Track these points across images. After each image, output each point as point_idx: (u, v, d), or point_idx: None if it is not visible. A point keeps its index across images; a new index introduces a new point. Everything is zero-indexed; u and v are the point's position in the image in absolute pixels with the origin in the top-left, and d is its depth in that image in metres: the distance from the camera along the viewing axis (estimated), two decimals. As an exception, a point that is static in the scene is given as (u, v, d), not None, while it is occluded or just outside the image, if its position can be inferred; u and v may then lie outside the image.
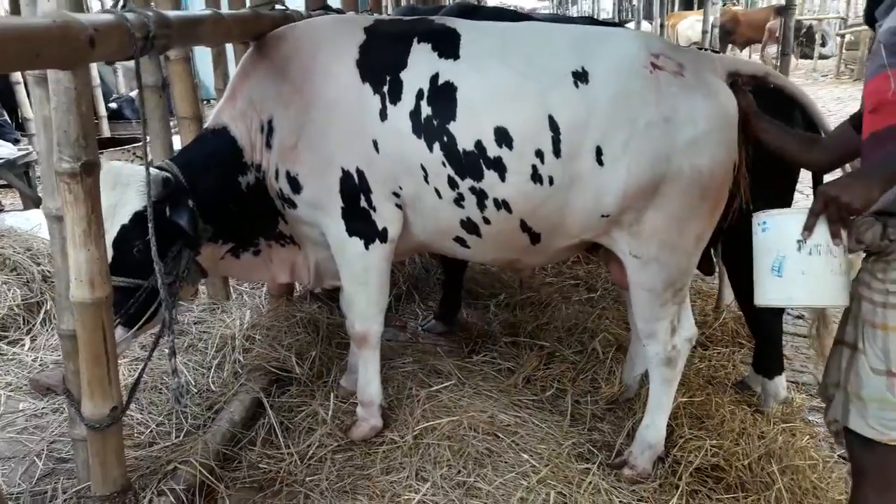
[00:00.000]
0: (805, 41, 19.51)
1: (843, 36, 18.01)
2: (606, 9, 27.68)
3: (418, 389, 3.29)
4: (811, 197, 2.33)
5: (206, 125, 2.97)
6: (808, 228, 1.89)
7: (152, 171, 2.54)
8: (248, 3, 3.62)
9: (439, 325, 4.16)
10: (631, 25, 17.40)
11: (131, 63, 2.19)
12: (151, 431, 2.95)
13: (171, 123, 4.02)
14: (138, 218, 2.46)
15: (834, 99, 14.57)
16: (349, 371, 3.36)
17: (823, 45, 19.67)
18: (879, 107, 1.89)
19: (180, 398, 2.41)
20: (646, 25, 18.31)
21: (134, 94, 9.29)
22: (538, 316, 4.14)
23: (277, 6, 3.38)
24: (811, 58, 19.30)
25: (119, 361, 3.29)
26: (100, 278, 2.23)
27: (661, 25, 14.89)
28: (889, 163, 1.80)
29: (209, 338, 3.56)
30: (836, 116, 12.31)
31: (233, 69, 3.27)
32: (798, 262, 1.92)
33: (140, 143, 6.14)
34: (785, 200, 3.18)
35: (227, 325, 3.64)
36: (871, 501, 2.00)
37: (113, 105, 8.88)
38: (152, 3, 3.63)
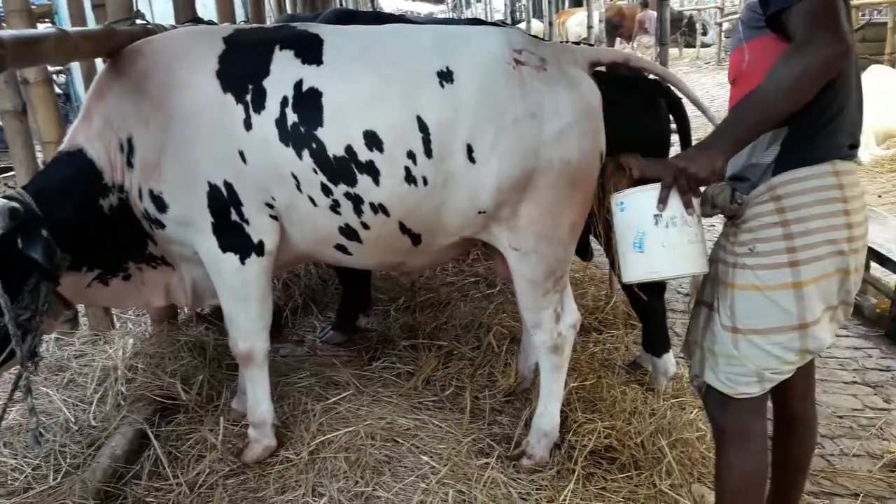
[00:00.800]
0: (687, 31, 20.47)
1: (721, 24, 18.97)
2: (499, 9, 28.22)
3: (314, 403, 3.21)
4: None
5: (60, 148, 2.81)
6: (662, 201, 1.95)
7: None
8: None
9: (338, 335, 4.09)
10: (522, 25, 17.80)
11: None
12: (27, 476, 2.75)
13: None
14: None
15: (717, 84, 15.33)
16: (240, 392, 3.23)
17: (704, 33, 20.69)
18: (738, 78, 2.01)
19: (39, 438, 2.26)
20: (536, 24, 18.72)
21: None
22: (437, 316, 4.14)
23: (138, 21, 3.25)
24: (694, 46, 20.26)
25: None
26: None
27: (550, 23, 15.23)
28: (729, 131, 1.88)
29: (90, 371, 3.36)
30: (721, 101, 12.93)
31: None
32: (657, 235, 1.98)
33: (10, 173, 5.79)
34: None
35: (108, 355, 3.45)
36: (731, 460, 2.10)
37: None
38: (3, 25, 3.44)
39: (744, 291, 1.97)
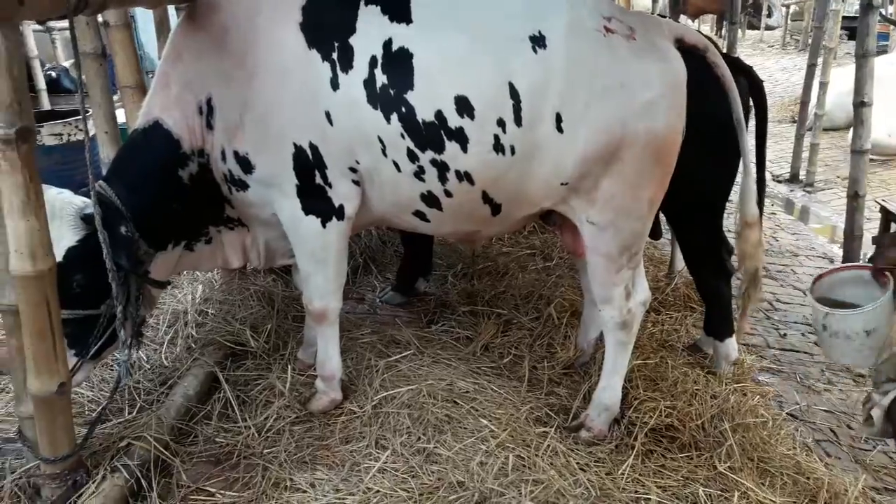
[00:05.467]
0: (752, 12, 19.78)
1: (788, 7, 18.32)
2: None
3: (377, 360, 3.27)
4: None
5: (136, 124, 2.76)
6: None
7: (78, 202, 2.43)
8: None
9: (397, 296, 4.14)
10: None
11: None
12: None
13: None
14: (73, 254, 2.39)
15: (781, 69, 14.91)
16: (306, 344, 3.31)
17: (770, 15, 19.98)
18: None
19: (130, 370, 2.34)
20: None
21: (69, 63, 8.82)
22: (495, 285, 4.16)
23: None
24: (758, 28, 19.62)
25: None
26: (41, 250, 2.15)
27: (613, -5, 14.89)
28: None
29: (160, 313, 3.48)
30: (783, 86, 12.59)
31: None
32: None
33: (77, 117, 5.86)
34: (732, 168, 3.21)
35: (178, 300, 3.56)
36: None
37: (51, 73, 8.42)
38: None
39: None
